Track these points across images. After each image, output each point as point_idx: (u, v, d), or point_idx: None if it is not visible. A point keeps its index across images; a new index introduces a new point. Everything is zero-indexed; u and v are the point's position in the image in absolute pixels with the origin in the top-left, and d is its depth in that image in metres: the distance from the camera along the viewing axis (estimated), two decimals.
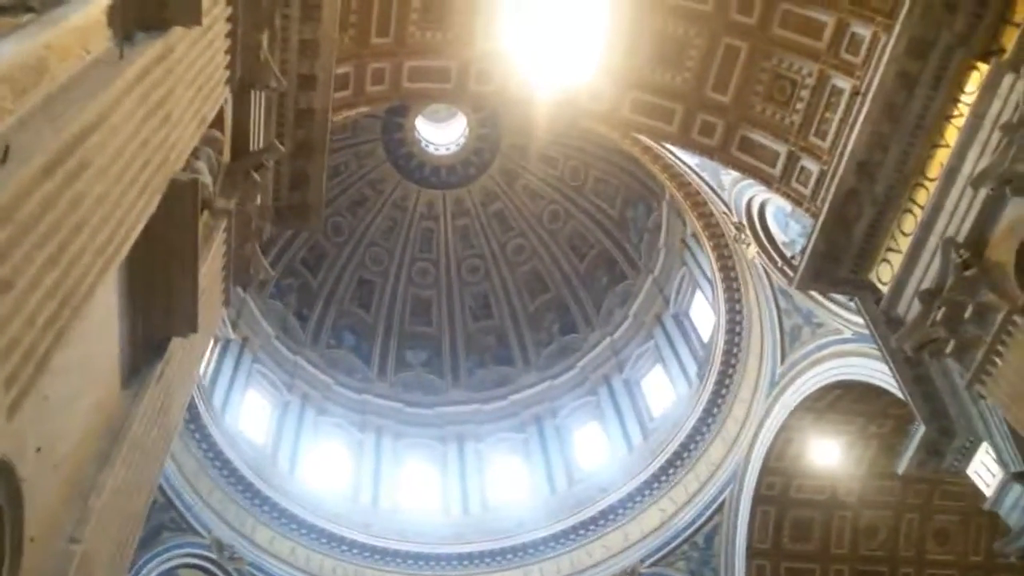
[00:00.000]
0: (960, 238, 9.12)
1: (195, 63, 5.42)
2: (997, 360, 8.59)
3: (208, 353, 19.78)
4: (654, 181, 22.39)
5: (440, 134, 26.36)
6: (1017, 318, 8.34)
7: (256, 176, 7.73)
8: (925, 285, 9.50)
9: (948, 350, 9.22)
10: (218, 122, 6.61)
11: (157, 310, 6.04)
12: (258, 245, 8.51)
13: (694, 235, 20.44)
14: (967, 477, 15.71)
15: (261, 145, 7.98)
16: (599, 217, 25.41)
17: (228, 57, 6.32)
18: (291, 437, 21.40)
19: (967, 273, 8.89)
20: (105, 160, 4.09)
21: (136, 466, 5.85)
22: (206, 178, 6.03)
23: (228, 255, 7.60)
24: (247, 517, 18.57)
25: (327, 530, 19.66)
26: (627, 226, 24.68)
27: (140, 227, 4.89)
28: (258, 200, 8.12)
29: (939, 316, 9.22)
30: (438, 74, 13.20)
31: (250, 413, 20.74)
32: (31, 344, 3.61)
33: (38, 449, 4.24)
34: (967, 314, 8.92)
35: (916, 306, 9.57)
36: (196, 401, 18.08)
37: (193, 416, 17.94)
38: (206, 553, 17.43)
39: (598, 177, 25.16)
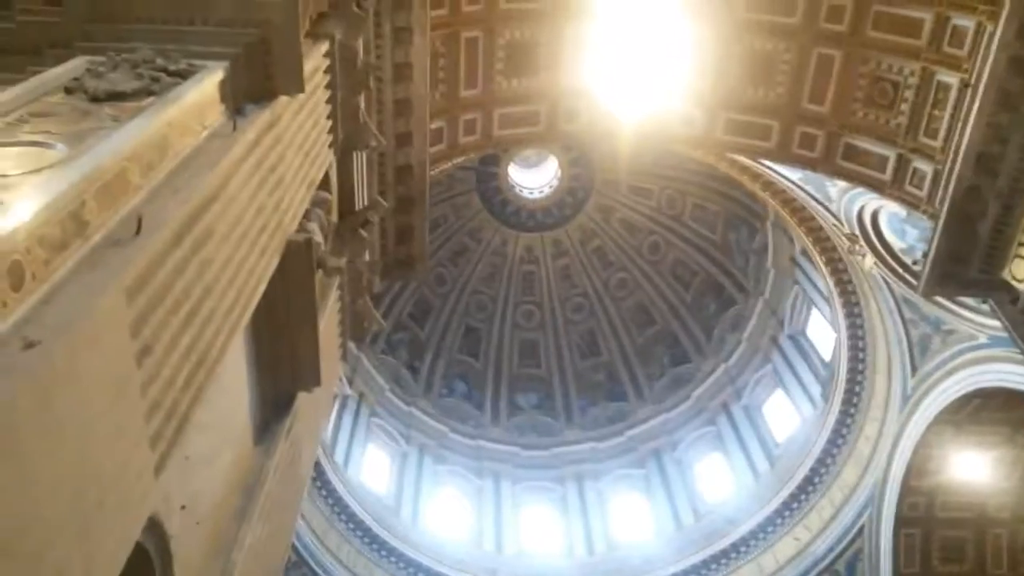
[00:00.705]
0: None
1: (301, 128, 5.65)
2: None
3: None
4: (755, 202, 21.86)
5: (533, 178, 26.66)
6: None
7: (363, 233, 7.95)
8: None
9: None
10: (325, 184, 6.86)
11: (282, 367, 6.25)
12: (369, 298, 8.72)
13: (804, 252, 19.79)
14: None
15: (365, 203, 8.22)
16: (701, 244, 24.98)
17: (330, 122, 6.57)
18: (412, 487, 21.64)
19: None
20: (226, 227, 4.28)
21: (272, 520, 6.01)
22: (318, 237, 6.24)
23: (343, 311, 7.81)
24: (376, 569, 18.79)
25: None
26: (731, 250, 24.14)
27: (262, 288, 5.08)
28: (367, 256, 8.34)
29: None
30: (527, 118, 13.38)
31: (371, 466, 21.12)
32: (172, 404, 3.76)
33: (183, 507, 4.42)
34: None
35: None
36: (320, 458, 18.54)
37: (318, 472, 18.38)
38: None
39: (696, 204, 24.81)
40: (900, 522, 16.73)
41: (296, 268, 5.82)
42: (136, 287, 3.39)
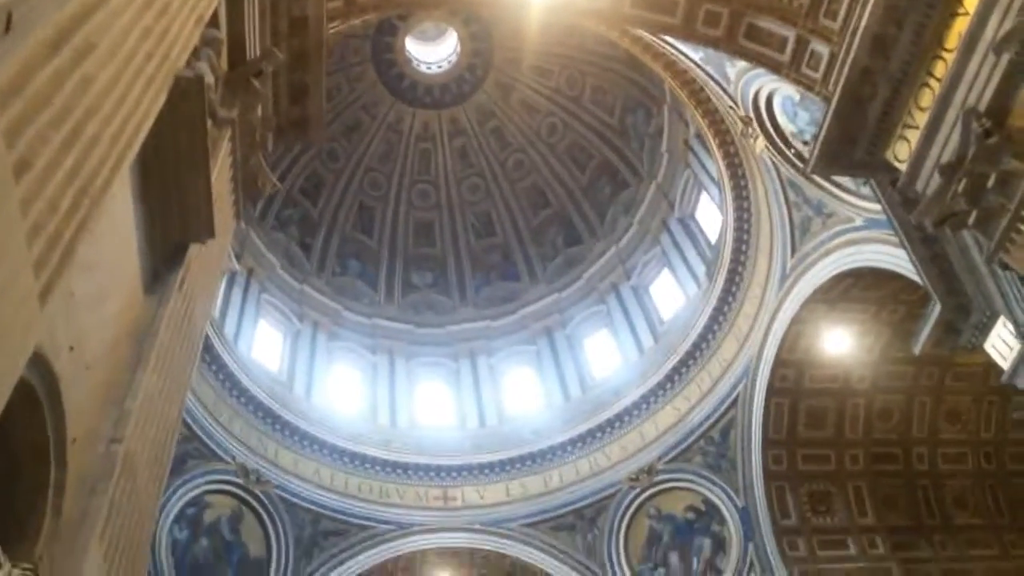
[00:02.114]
0: (981, 107, 8.87)
1: None
2: (1022, 227, 8.45)
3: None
4: (654, 85, 21.97)
5: (431, 52, 25.75)
6: None
7: (256, 84, 7.47)
8: (945, 159, 9.27)
9: (970, 221, 9.08)
10: (214, 25, 6.34)
11: (173, 216, 5.91)
12: (263, 157, 8.31)
13: (698, 136, 20.14)
14: (982, 354, 15.89)
15: (258, 53, 7.69)
16: (598, 127, 25.01)
17: None
18: (305, 364, 21.55)
19: (989, 142, 8.67)
20: (110, 44, 3.88)
21: (166, 372, 5.82)
22: (209, 77, 5.80)
23: (235, 166, 7.40)
24: (269, 442, 18.85)
25: (348, 449, 19.98)
26: (628, 134, 24.31)
27: (150, 121, 4.70)
28: (259, 111, 7.88)
29: (960, 188, 9.05)
30: None
31: (262, 343, 20.84)
32: (56, 230, 3.48)
33: (71, 348, 4.18)
34: (990, 183, 8.75)
35: (936, 180, 9.37)
36: (209, 333, 18.11)
37: (207, 347, 17.96)
38: (232, 479, 17.75)
39: (595, 86, 24.66)
40: (771, 392, 17.90)
41: (186, 108, 5.42)
42: (9, 90, 3.03)
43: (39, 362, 3.87)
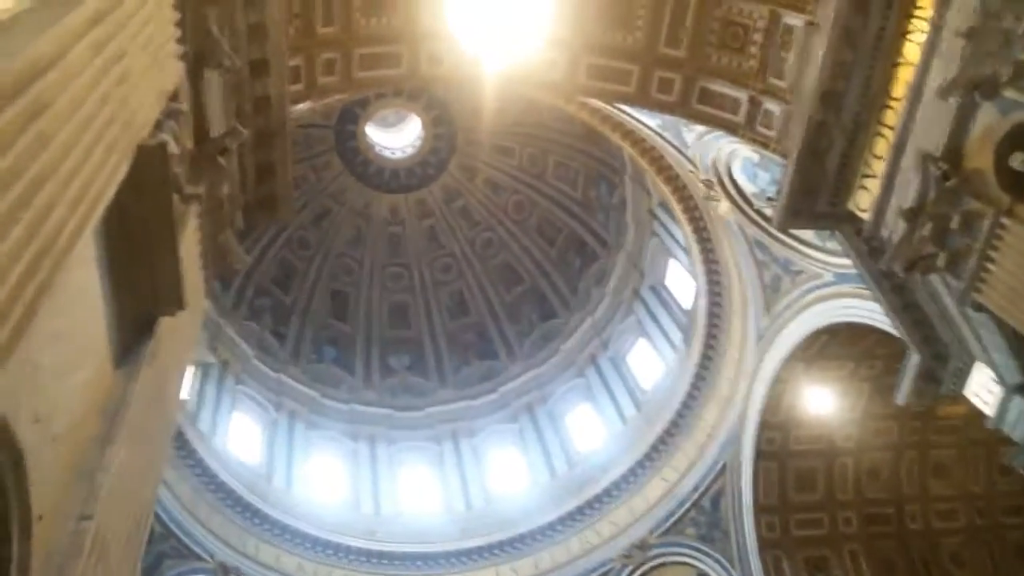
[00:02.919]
0: (936, 151, 9.10)
1: (147, 24, 5.18)
2: (990, 266, 8.56)
3: (190, 377, 19.43)
4: (614, 157, 22.46)
5: (394, 138, 26.23)
6: (1005, 220, 8.32)
7: (222, 161, 7.49)
8: (906, 204, 9.46)
9: (939, 264, 9.19)
10: (176, 100, 6.37)
11: (141, 288, 5.80)
12: (232, 234, 8.26)
13: (661, 204, 20.49)
14: (962, 405, 15.87)
15: (222, 132, 7.74)
16: (563, 201, 25.39)
17: (179, 31, 6.10)
18: (284, 454, 21.07)
19: (948, 184, 8.85)
20: (66, 103, 3.85)
21: (140, 448, 5.60)
22: (173, 148, 5.80)
23: (204, 242, 7.34)
24: (248, 537, 18.23)
25: (332, 541, 19.37)
26: (592, 206, 24.69)
27: (113, 188, 4.65)
28: (226, 188, 7.88)
29: (925, 232, 9.20)
30: (388, 60, 12.99)
31: (239, 435, 20.39)
32: (11, 291, 3.34)
33: (37, 420, 4.00)
34: (954, 225, 8.89)
35: (900, 226, 9.52)
36: (183, 427, 17.72)
37: (182, 443, 17.58)
38: None
39: (557, 161, 25.16)
40: (758, 456, 17.69)
41: (150, 176, 5.38)
42: None
43: (2, 432, 3.69)
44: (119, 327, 5.71)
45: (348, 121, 24.62)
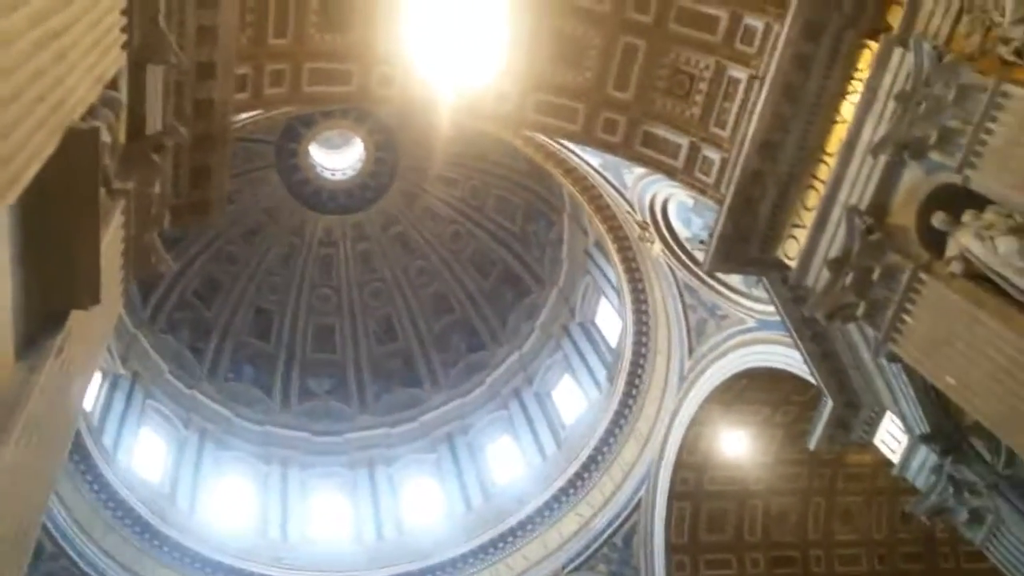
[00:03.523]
0: (862, 206, 9.49)
1: (92, 6, 4.98)
2: (906, 318, 8.91)
3: (96, 389, 18.60)
4: (554, 195, 22.71)
5: (336, 159, 25.96)
6: (923, 275, 8.70)
7: (156, 159, 7.24)
8: (832, 254, 9.81)
9: (859, 313, 9.52)
10: (114, 90, 6.13)
11: (55, 278, 5.50)
12: (157, 235, 7.97)
13: (597, 244, 20.76)
14: (870, 454, 16.39)
15: (160, 128, 7.50)
16: (501, 235, 25.45)
17: (125, 19, 5.90)
18: (190, 474, 20.28)
19: (872, 238, 9.24)
20: None
21: (34, 448, 5.24)
22: (105, 136, 5.56)
23: (127, 240, 7.04)
24: (146, 559, 17.42)
25: (235, 567, 18.67)
26: (529, 241, 24.82)
27: (34, 168, 4.41)
28: (157, 187, 7.61)
29: (848, 282, 9.54)
30: (339, 76, 12.89)
31: (144, 452, 19.58)
32: None
33: None
34: (875, 276, 9.25)
35: (825, 275, 9.87)
36: (85, 440, 16.94)
37: (82, 456, 16.76)
38: None
39: (499, 195, 25.26)
40: (673, 495, 17.91)
41: (78, 163, 5.12)
42: None
43: None
44: (25, 316, 5.38)
45: (290, 139, 24.28)
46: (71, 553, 15.84)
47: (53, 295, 5.58)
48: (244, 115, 12.47)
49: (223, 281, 24.67)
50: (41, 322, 5.56)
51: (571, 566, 19.00)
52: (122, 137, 6.88)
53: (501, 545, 19.86)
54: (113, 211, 6.40)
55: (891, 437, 12.48)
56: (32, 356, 5.38)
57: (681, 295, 16.94)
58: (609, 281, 20.49)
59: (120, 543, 17.07)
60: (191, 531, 18.76)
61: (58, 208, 5.34)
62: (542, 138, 15.55)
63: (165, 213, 8.29)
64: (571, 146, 15.34)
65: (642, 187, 15.28)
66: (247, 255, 24.95)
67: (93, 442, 17.34)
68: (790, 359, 14.12)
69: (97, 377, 18.73)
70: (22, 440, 4.91)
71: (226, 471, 21.44)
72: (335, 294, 26.06)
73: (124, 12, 5.82)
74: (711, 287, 15.96)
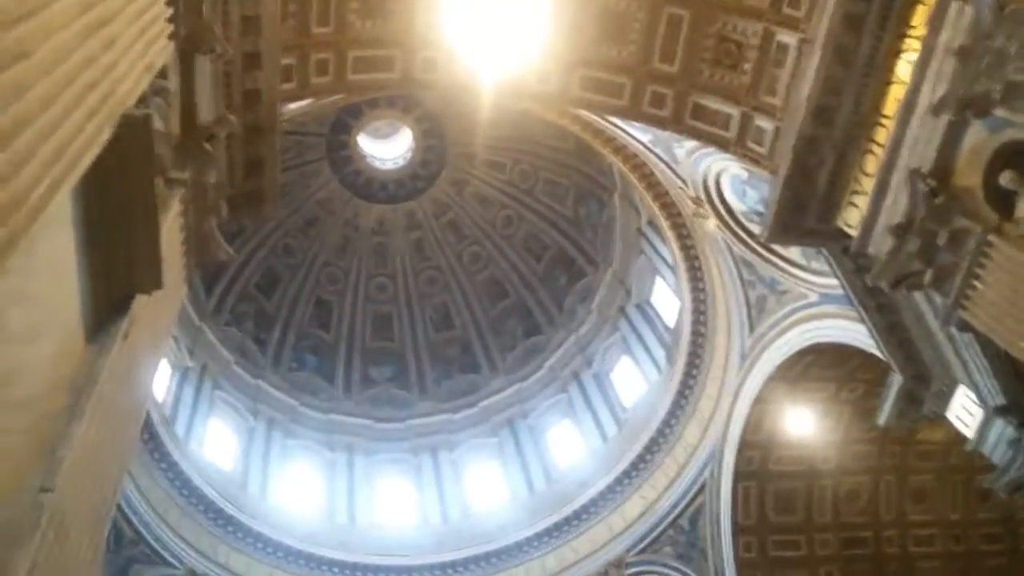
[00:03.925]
0: (925, 169, 9.14)
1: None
2: (976, 283, 8.58)
3: (167, 380, 19.18)
4: (604, 175, 22.51)
5: (385, 149, 26.15)
6: (992, 238, 8.36)
7: (209, 148, 7.39)
8: (895, 220, 9.48)
9: (926, 281, 9.20)
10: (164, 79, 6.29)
11: (118, 265, 5.66)
12: (215, 223, 8.15)
13: (650, 223, 20.50)
14: (942, 431, 15.86)
15: (211, 119, 7.65)
16: (552, 217, 25.37)
17: (170, 9, 6.02)
18: (259, 462, 20.77)
19: (936, 201, 8.90)
20: (46, 56, 3.72)
21: (107, 427, 5.44)
22: (159, 124, 5.69)
23: (187, 228, 7.22)
24: (220, 544, 17.90)
25: (304, 551, 19.05)
26: (581, 223, 24.67)
27: (92, 153, 4.53)
28: (213, 176, 7.77)
29: (913, 248, 9.22)
30: (382, 64, 12.97)
31: (215, 440, 20.10)
32: None
33: None
34: (941, 242, 8.92)
35: (888, 242, 9.55)
36: (158, 430, 17.47)
37: (156, 446, 17.31)
38: None
39: (547, 178, 25.16)
40: (738, 476, 17.63)
41: (133, 150, 5.25)
42: None
43: None
44: (93, 301, 5.56)
45: (340, 131, 24.57)
46: (149, 539, 16.39)
47: (117, 281, 5.74)
48: (292, 106, 12.67)
49: (282, 273, 25.14)
50: (108, 308, 5.74)
51: (636, 549, 18.89)
52: (176, 128, 7.04)
53: (566, 528, 19.86)
54: (171, 200, 6.56)
55: (964, 411, 12.03)
56: (100, 340, 5.55)
57: (739, 271, 16.61)
58: (664, 260, 20.23)
59: (194, 528, 17.60)
60: (262, 517, 19.23)
61: (117, 196, 5.48)
62: (589, 116, 15.38)
63: (222, 203, 8.46)
64: (619, 123, 15.14)
65: (694, 161, 15.00)
66: (304, 247, 25.37)
67: (166, 431, 17.90)
68: (855, 333, 13.71)
69: (167, 369, 19.33)
70: (95, 420, 5.08)
71: (294, 458, 21.89)
72: (391, 283, 26.33)
73: (169, 3, 5.93)
74: (770, 261, 15.60)
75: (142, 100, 5.59)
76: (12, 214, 3.40)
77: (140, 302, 5.95)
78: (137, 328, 5.97)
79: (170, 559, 16.70)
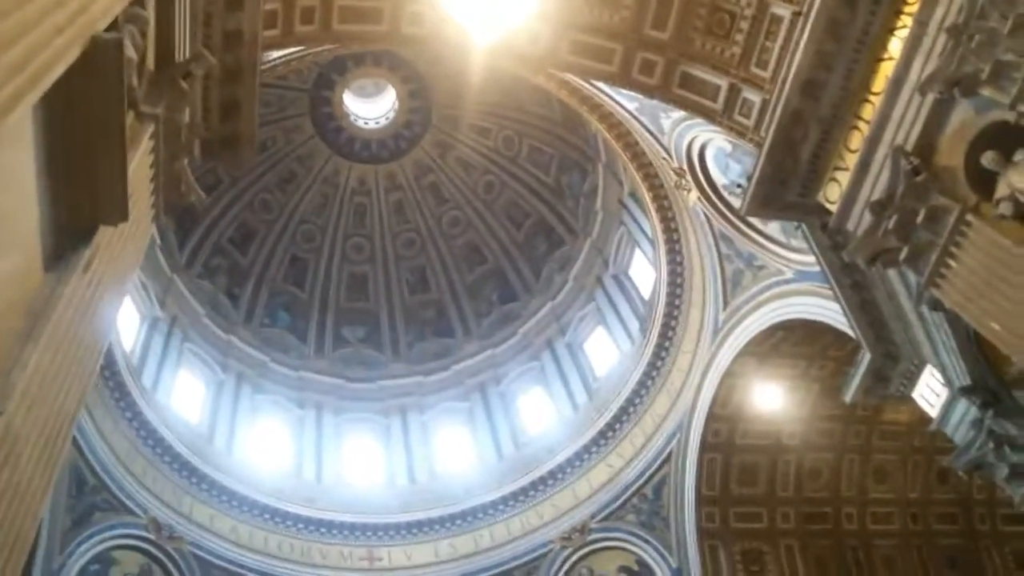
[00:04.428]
0: (908, 146, 9.14)
1: None
2: (951, 262, 8.63)
3: (136, 330, 18.93)
4: (588, 145, 22.38)
5: (369, 108, 25.78)
6: (970, 217, 8.39)
7: (184, 85, 7.18)
8: (875, 197, 9.48)
9: (901, 258, 9.23)
10: (141, 7, 6.06)
11: (82, 194, 5.50)
12: (187, 164, 7.95)
13: (632, 194, 20.44)
14: (907, 412, 16.08)
15: (188, 56, 7.42)
16: (534, 185, 25.22)
17: None
18: (227, 416, 20.64)
19: (917, 179, 8.90)
20: None
21: (64, 356, 5.31)
22: (130, 52, 5.49)
23: (157, 166, 7.03)
24: (184, 496, 17.81)
25: (269, 506, 19.02)
26: (563, 192, 24.56)
27: (57, 70, 4.35)
28: (187, 115, 7.56)
29: (890, 225, 9.23)
30: (369, 15, 12.68)
31: (183, 392, 19.92)
32: None
33: None
34: (919, 219, 8.93)
35: (867, 218, 9.56)
36: (125, 379, 17.26)
37: (122, 394, 17.10)
38: (143, 533, 16.69)
39: (532, 146, 24.96)
40: (704, 448, 17.82)
41: (102, 74, 5.07)
42: None
43: None
44: (54, 228, 5.40)
45: (324, 87, 24.17)
46: (112, 487, 16.26)
47: (80, 211, 5.58)
48: (276, 54, 12.40)
49: (258, 228, 24.83)
50: (70, 236, 5.58)
51: (600, 515, 19.07)
52: (151, 62, 6.82)
53: (532, 493, 19.99)
54: (141, 134, 6.37)
55: (930, 391, 12.20)
56: (60, 268, 5.41)
57: (717, 245, 16.64)
58: (644, 232, 20.21)
59: (159, 479, 17.49)
60: (228, 470, 19.15)
61: (84, 121, 5.31)
62: (577, 81, 15.20)
63: (195, 143, 8.25)
64: (606, 89, 15.00)
65: (679, 132, 14.91)
66: (281, 203, 25.05)
67: (133, 381, 17.68)
68: (828, 311, 13.82)
69: (136, 318, 19.06)
70: (51, 348, 4.95)
71: (262, 414, 21.79)
72: (368, 243, 26.11)
73: None
74: (748, 236, 15.63)
75: (114, 26, 5.40)
76: None
77: (104, 234, 5.79)
78: (100, 260, 5.81)
79: (134, 507, 16.60)
